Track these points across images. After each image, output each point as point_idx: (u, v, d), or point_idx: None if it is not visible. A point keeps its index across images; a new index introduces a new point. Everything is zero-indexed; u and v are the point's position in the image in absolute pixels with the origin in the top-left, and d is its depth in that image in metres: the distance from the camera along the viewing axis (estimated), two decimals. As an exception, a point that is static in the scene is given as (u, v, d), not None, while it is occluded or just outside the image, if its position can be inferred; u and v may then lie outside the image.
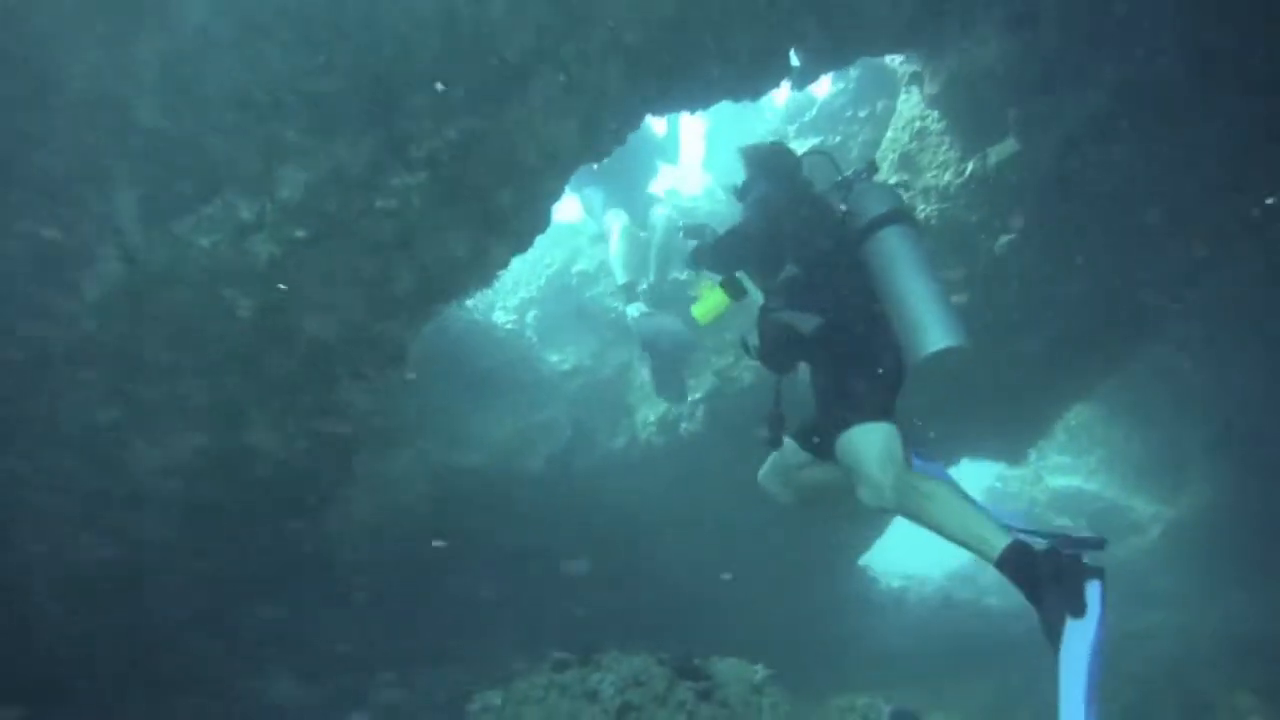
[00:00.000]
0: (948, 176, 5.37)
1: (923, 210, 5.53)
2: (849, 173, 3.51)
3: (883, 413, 2.87)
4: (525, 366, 7.32)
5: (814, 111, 6.63)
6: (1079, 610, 2.23)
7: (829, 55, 4.32)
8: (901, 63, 6.12)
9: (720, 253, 3.51)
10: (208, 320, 2.91)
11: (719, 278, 3.58)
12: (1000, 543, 2.41)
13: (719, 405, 6.49)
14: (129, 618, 3.53)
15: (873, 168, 3.50)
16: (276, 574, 4.28)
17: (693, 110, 4.18)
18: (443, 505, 6.47)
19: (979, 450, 8.09)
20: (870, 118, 6.32)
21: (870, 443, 2.81)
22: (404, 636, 6.17)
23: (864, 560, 10.04)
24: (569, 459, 7.04)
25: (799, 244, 3.24)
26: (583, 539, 6.99)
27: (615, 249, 6.37)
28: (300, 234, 2.92)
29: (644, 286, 5.89)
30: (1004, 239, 5.19)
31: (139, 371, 2.83)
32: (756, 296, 3.52)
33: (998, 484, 13.64)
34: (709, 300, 3.70)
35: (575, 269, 8.06)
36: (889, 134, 5.99)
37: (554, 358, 7.60)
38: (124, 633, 3.57)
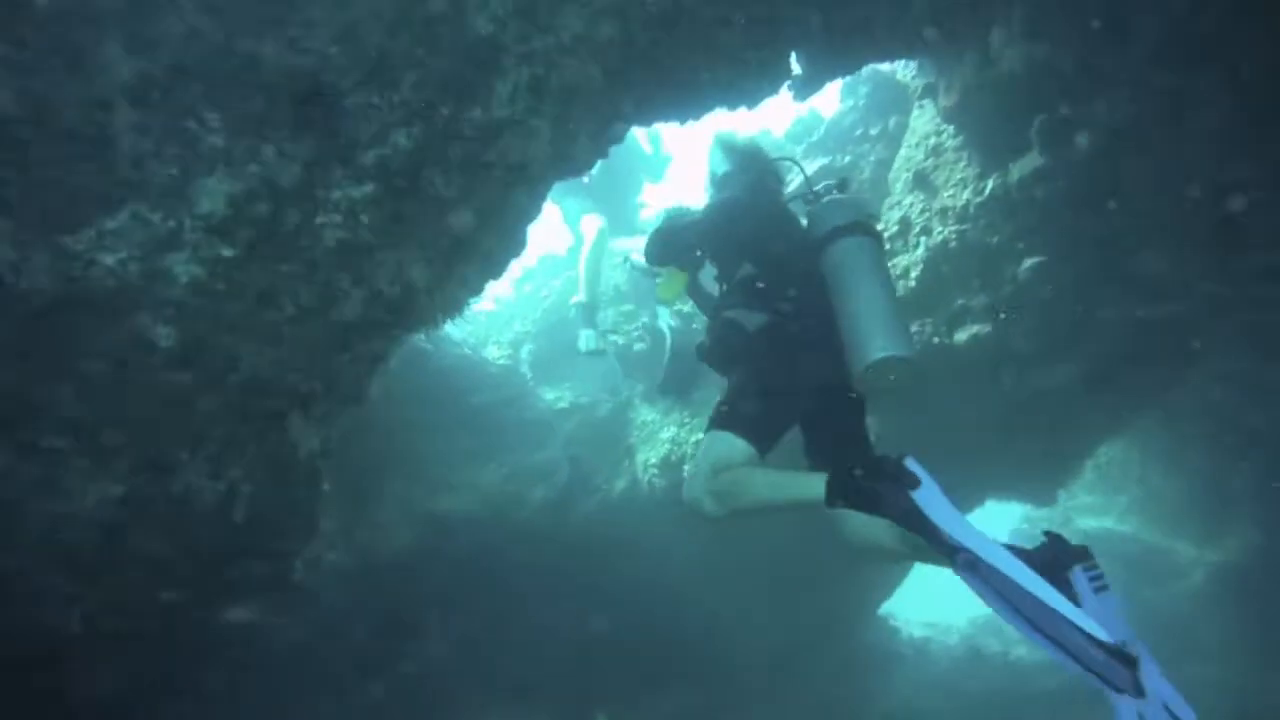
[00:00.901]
0: (966, 195, 4.99)
1: (940, 233, 5.15)
2: (819, 187, 3.55)
3: (747, 430, 2.83)
4: (519, 405, 6.94)
5: (821, 131, 6.30)
6: (912, 481, 2.22)
7: (833, 59, 3.97)
8: (914, 76, 5.79)
9: (668, 241, 3.62)
10: (121, 352, 2.53)
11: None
12: (820, 484, 2.42)
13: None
14: None
15: (844, 184, 3.52)
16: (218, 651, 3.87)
17: (682, 120, 3.82)
18: (429, 557, 6.06)
19: (1004, 491, 7.61)
20: (882, 135, 5.98)
21: (714, 448, 2.84)
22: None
23: (885, 608, 9.52)
24: (566, 503, 6.62)
25: (757, 245, 3.29)
26: (581, 589, 6.55)
27: (585, 258, 6.03)
28: (227, 253, 2.56)
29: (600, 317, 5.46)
30: (1029, 262, 4.78)
31: (31, 415, 2.46)
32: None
33: (1024, 525, 13.04)
34: (671, 280, 3.78)
35: (573, 301, 7.70)
36: (902, 152, 5.64)
37: (550, 395, 7.21)
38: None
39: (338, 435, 4.06)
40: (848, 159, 6.09)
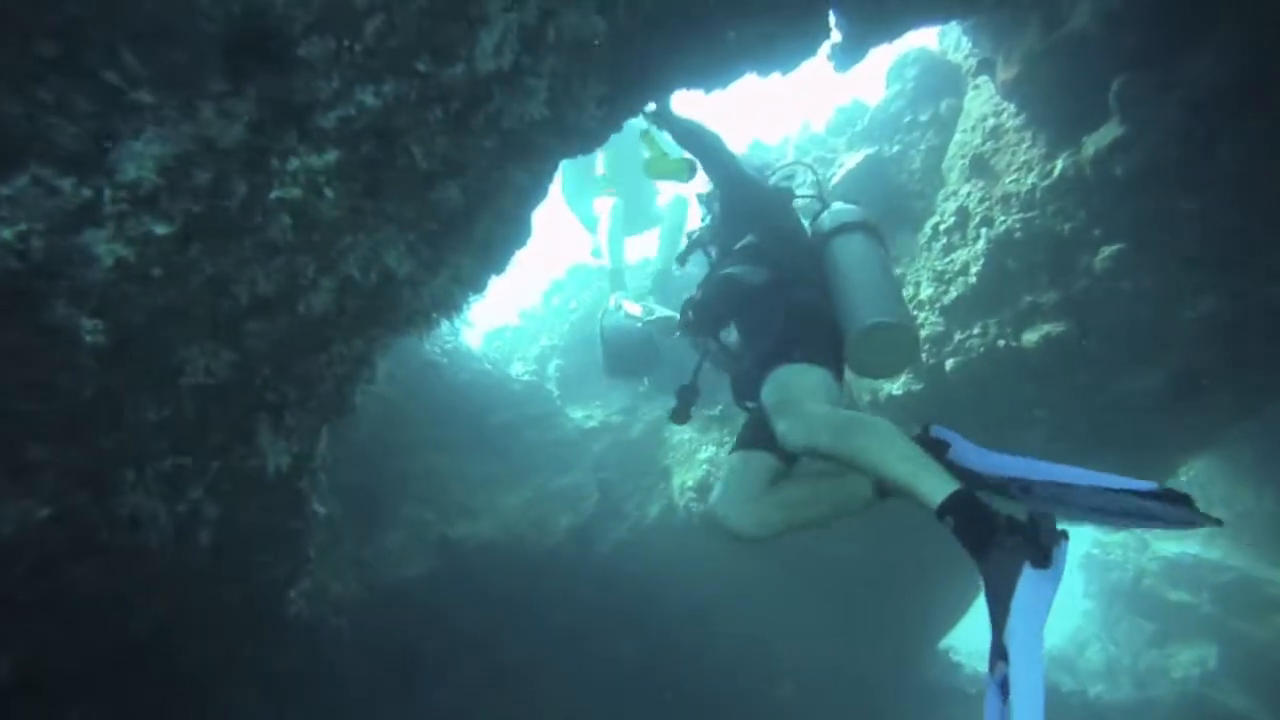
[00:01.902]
0: (1031, 179, 4.46)
1: (1003, 223, 4.61)
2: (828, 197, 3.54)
3: (820, 359, 2.69)
4: (545, 424, 6.53)
5: (866, 120, 5.82)
6: (1042, 560, 1.80)
7: (878, 20, 3.51)
8: (967, 55, 5.29)
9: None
10: (36, 349, 2.16)
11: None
12: (947, 488, 2.06)
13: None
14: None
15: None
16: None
17: (708, 88, 3.38)
18: (445, 587, 5.64)
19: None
20: (933, 121, 5.47)
21: (801, 379, 2.62)
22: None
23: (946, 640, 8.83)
24: (594, 530, 6.16)
25: (763, 218, 3.30)
26: (610, 623, 6.06)
27: (604, 231, 5.69)
28: (160, 230, 2.18)
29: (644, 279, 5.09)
30: (1107, 251, 4.21)
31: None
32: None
33: (1095, 550, 12.19)
34: (667, 163, 3.83)
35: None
36: (956, 137, 5.14)
37: (578, 414, 6.78)
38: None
39: (324, 451, 3.68)
40: (896, 148, 5.59)
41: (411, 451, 5.75)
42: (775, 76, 3.43)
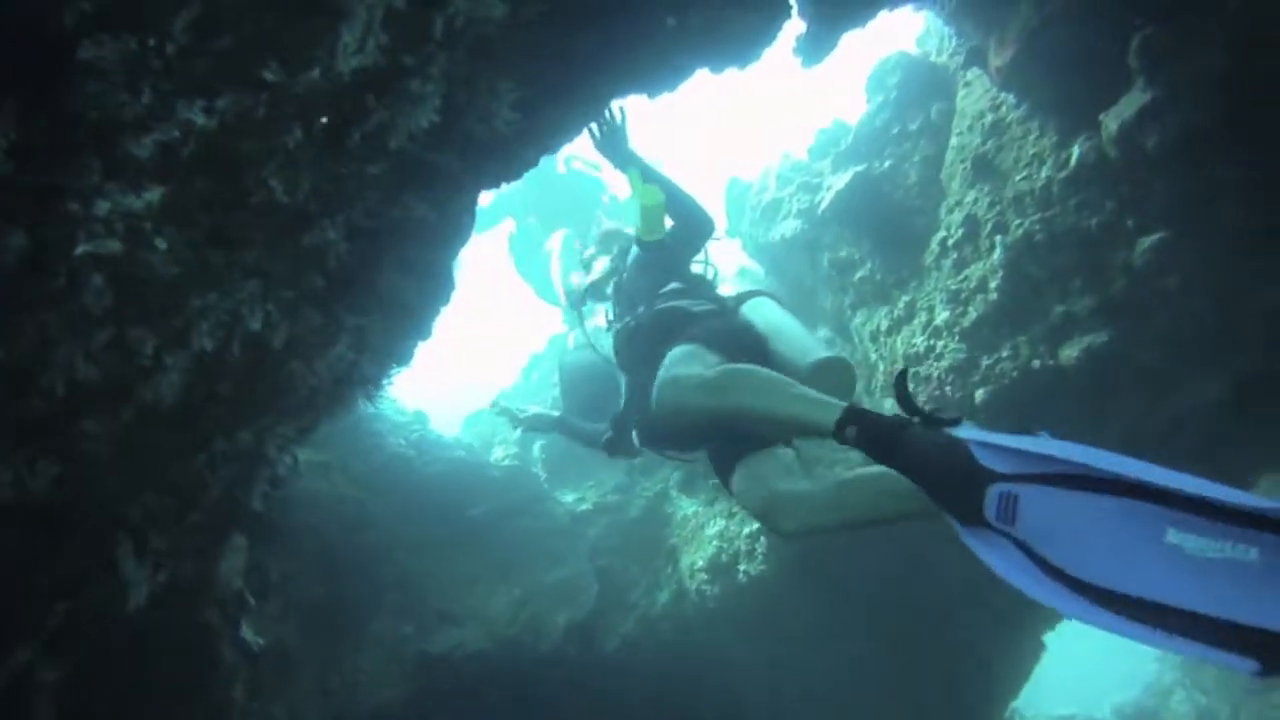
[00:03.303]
0: (1045, 172, 3.94)
1: (1018, 226, 4.07)
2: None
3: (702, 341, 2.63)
4: (532, 511, 5.90)
5: (850, 138, 5.34)
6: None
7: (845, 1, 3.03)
8: (953, 52, 4.84)
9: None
10: None
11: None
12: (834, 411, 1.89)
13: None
14: None
15: None
16: None
17: (651, 92, 2.88)
18: (431, 708, 4.94)
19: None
20: (925, 129, 4.99)
21: (674, 355, 2.55)
22: None
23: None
24: (597, 626, 5.47)
25: (685, 270, 3.64)
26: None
27: (556, 268, 5.27)
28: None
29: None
30: (1146, 242, 3.65)
31: None
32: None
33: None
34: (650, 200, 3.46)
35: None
36: (953, 141, 4.65)
37: (569, 497, 6.16)
38: None
39: (236, 571, 3.09)
40: (887, 163, 5.10)
41: (381, 556, 5.13)
42: (732, 73, 2.93)
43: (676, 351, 2.56)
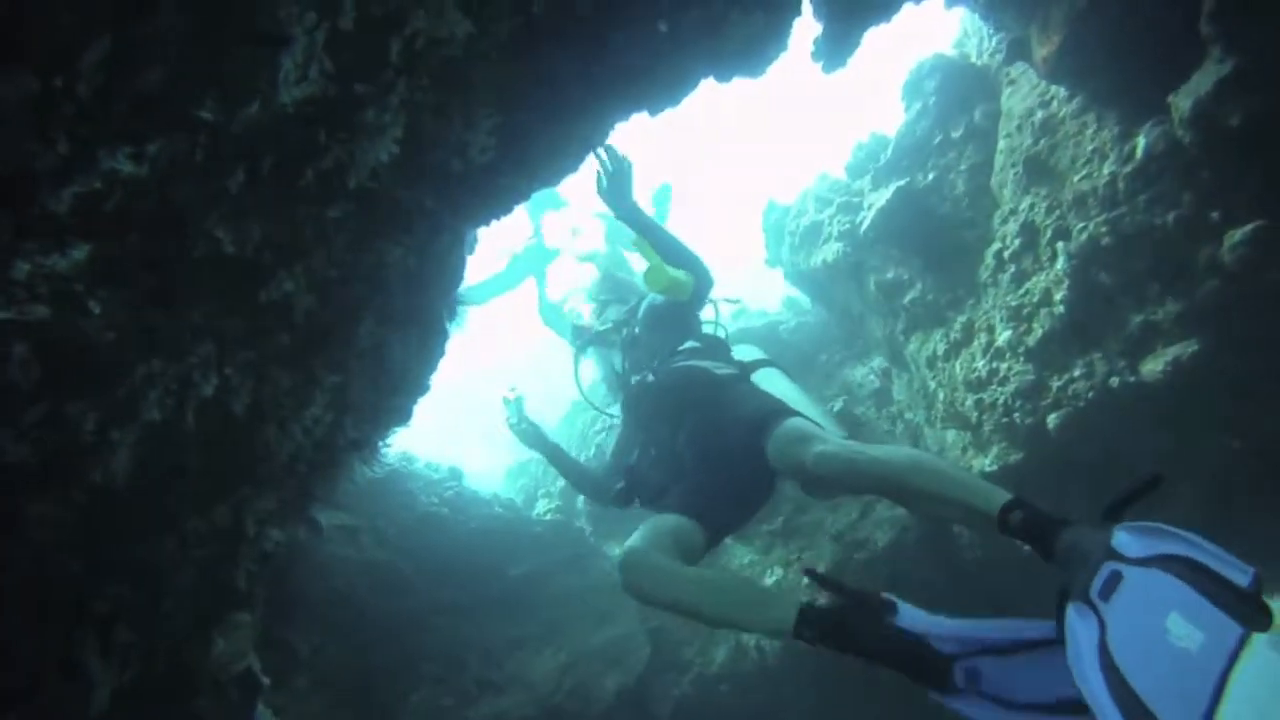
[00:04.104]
0: (1108, 168, 3.57)
1: (1083, 230, 3.70)
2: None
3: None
4: (576, 568, 5.61)
5: (889, 151, 5.03)
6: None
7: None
8: (992, 50, 4.52)
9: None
10: None
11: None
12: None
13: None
14: None
15: None
16: None
17: (652, 109, 2.64)
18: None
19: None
20: (970, 135, 4.65)
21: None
22: None
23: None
24: (650, 690, 5.12)
25: (699, 330, 3.69)
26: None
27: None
28: None
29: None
30: (1237, 235, 3.24)
31: None
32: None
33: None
34: (666, 275, 3.48)
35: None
36: (1000, 144, 4.31)
37: (617, 551, 5.83)
38: None
39: (231, 652, 2.87)
40: (931, 175, 4.76)
41: (417, 623, 4.90)
42: (737, 82, 2.68)
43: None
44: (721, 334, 3.79)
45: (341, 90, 1.93)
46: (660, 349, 3.48)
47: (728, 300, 4.34)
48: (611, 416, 4.09)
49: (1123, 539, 1.62)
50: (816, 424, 2.62)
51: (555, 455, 4.13)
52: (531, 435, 4.15)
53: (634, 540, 2.44)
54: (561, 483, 6.53)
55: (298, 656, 4.19)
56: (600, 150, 3.47)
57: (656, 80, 2.49)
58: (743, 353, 3.45)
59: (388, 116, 1.99)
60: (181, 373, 1.92)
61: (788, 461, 2.48)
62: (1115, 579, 1.57)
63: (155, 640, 2.31)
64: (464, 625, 5.04)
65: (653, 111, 2.64)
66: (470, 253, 3.37)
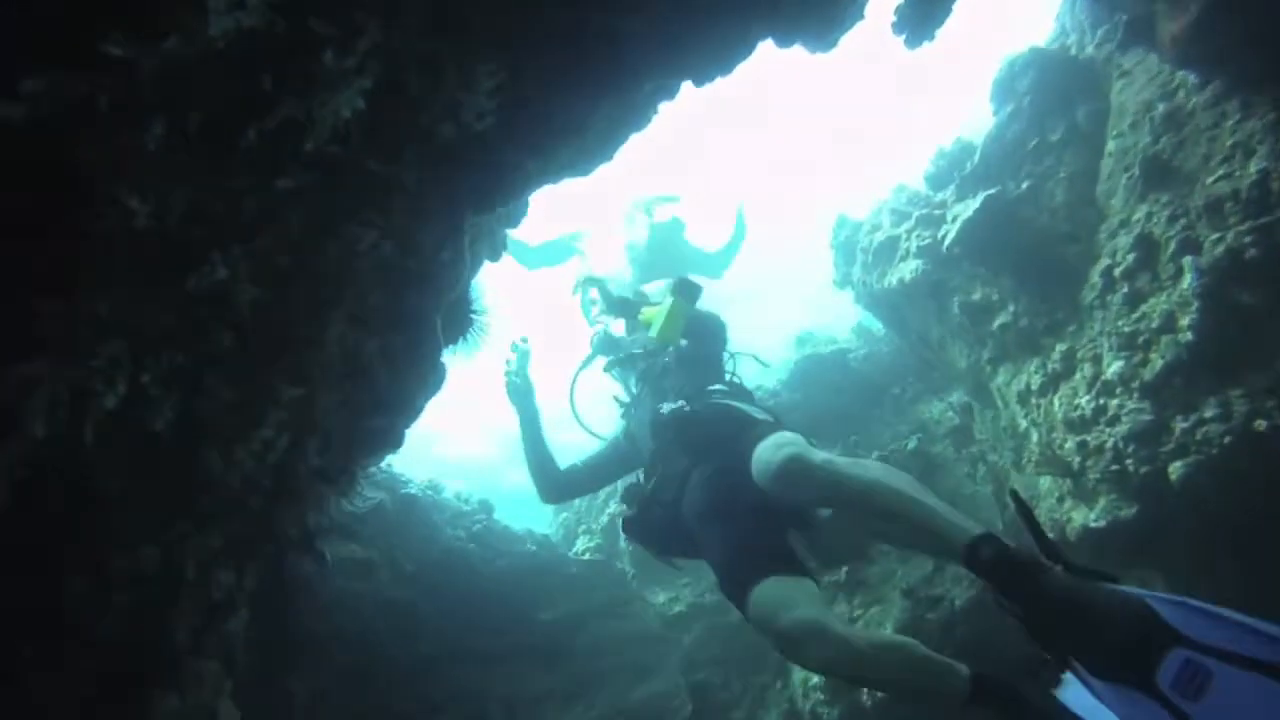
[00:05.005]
0: (1255, 165, 3.00)
1: (1218, 241, 3.13)
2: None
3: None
4: (616, 614, 5.14)
5: (976, 159, 4.48)
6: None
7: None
8: (1101, 40, 3.96)
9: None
10: None
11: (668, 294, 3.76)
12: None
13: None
14: None
15: None
16: None
17: (697, 79, 2.19)
18: None
19: None
20: (1071, 138, 4.08)
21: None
22: None
23: None
24: (693, 756, 4.60)
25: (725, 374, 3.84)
26: None
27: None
28: None
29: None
30: None
31: None
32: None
33: None
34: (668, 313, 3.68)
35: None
36: (1110, 146, 3.76)
37: (660, 597, 5.36)
38: None
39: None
40: (1025, 184, 4.19)
41: (435, 670, 4.47)
42: (797, 49, 2.21)
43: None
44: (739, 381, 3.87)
45: (293, 24, 1.53)
46: (687, 385, 3.57)
47: (758, 360, 4.48)
48: (595, 435, 4.29)
49: (1173, 615, 1.47)
50: (806, 439, 2.57)
51: (531, 421, 4.28)
52: (521, 390, 4.33)
53: (808, 612, 2.17)
54: (605, 519, 6.06)
55: (294, 704, 3.80)
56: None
57: (707, 38, 2.04)
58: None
59: (351, 61, 1.58)
60: (77, 378, 1.52)
61: (760, 469, 2.47)
62: (1196, 673, 1.41)
63: (69, 706, 1.91)
64: (487, 674, 4.60)
65: (698, 81, 2.19)
66: (492, 252, 2.97)
